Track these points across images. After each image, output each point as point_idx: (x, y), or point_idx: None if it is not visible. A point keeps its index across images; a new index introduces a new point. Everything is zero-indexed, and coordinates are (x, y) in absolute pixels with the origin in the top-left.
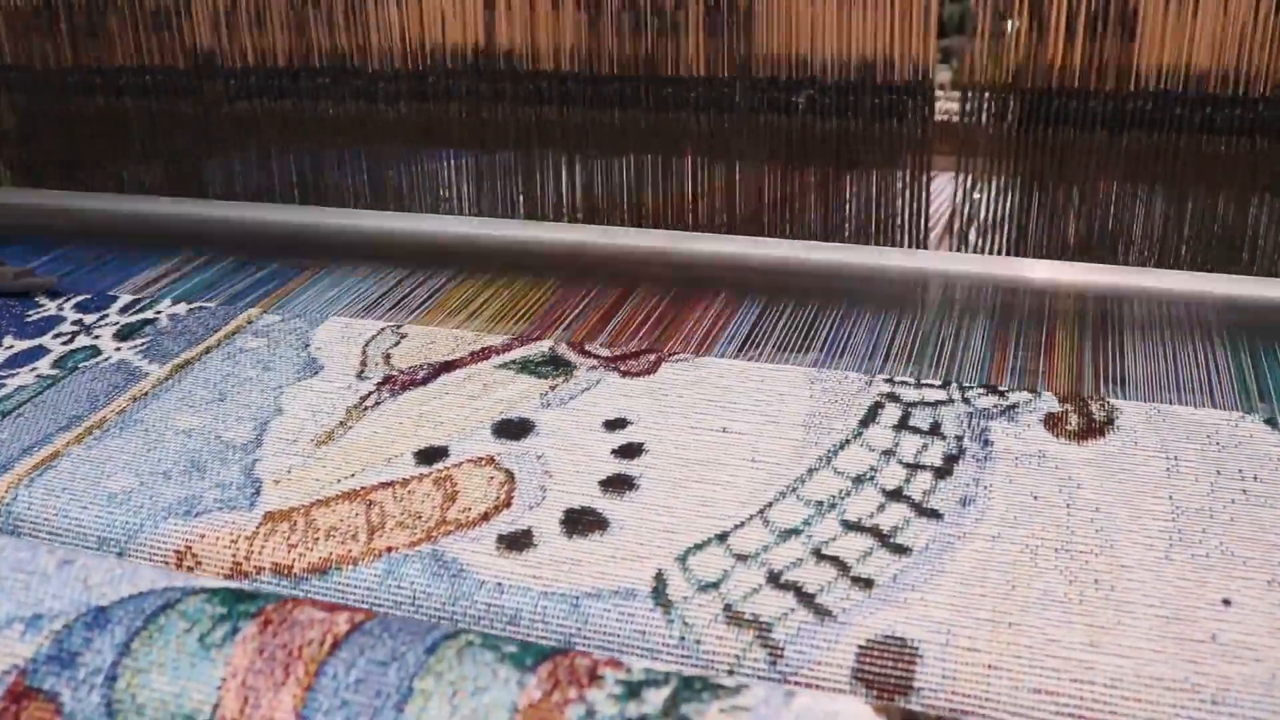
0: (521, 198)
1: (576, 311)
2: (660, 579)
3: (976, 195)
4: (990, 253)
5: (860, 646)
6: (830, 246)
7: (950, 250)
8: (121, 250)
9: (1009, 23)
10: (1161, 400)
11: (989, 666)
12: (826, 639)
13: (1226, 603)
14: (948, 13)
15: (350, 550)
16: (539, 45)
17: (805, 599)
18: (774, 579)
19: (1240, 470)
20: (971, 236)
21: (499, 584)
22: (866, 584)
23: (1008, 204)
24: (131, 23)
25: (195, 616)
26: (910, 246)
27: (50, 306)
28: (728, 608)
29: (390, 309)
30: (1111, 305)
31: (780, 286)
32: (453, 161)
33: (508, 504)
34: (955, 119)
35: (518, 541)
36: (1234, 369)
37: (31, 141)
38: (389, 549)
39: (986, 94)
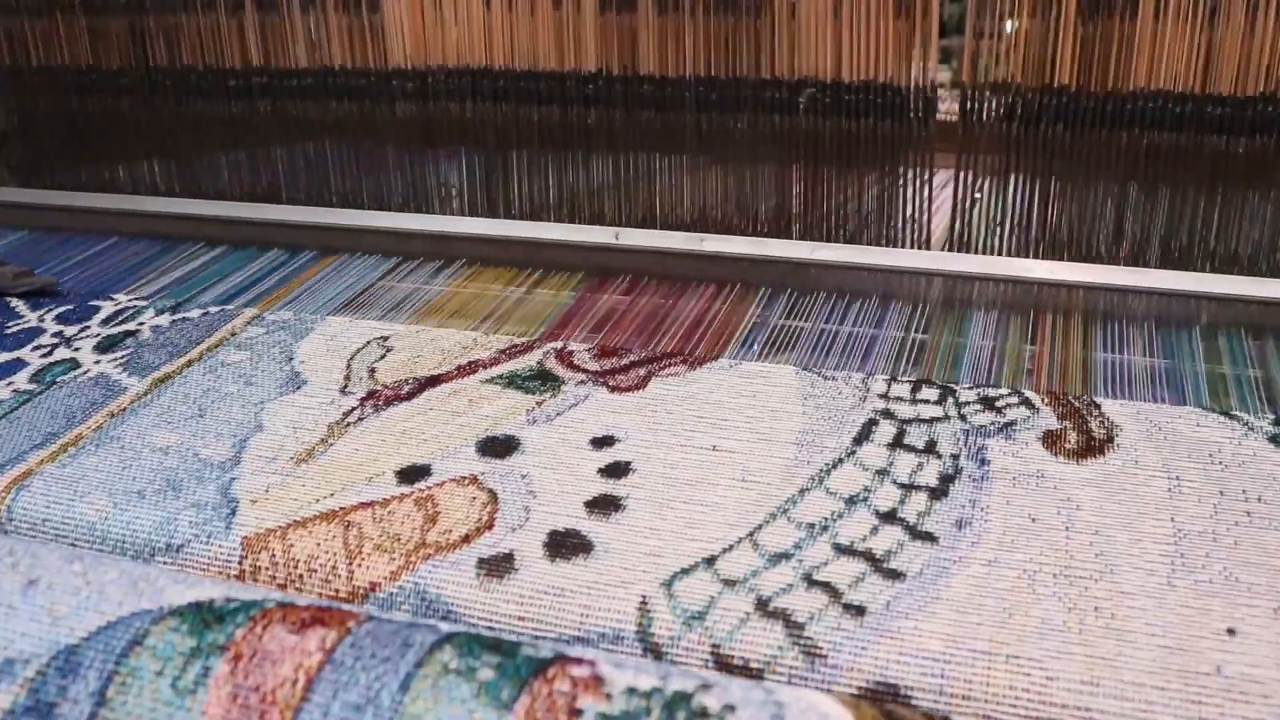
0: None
1: (587, 311)
2: (646, 610)
3: (976, 194)
4: (989, 252)
5: (852, 696)
6: (832, 246)
7: (949, 250)
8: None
9: (1009, 22)
10: (1157, 399)
11: (984, 717)
12: (818, 687)
13: (1231, 632)
14: (948, 13)
15: (337, 590)
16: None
17: (794, 630)
18: (762, 606)
19: (1244, 491)
20: (971, 235)
21: (488, 629)
22: (858, 611)
23: (1006, 203)
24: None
25: (166, 653)
26: (911, 246)
27: (31, 318)
28: (716, 649)
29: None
30: (1109, 304)
31: (782, 285)
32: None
33: (490, 526)
34: (955, 119)
35: (499, 567)
36: (1229, 367)
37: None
38: (372, 586)
39: (985, 93)
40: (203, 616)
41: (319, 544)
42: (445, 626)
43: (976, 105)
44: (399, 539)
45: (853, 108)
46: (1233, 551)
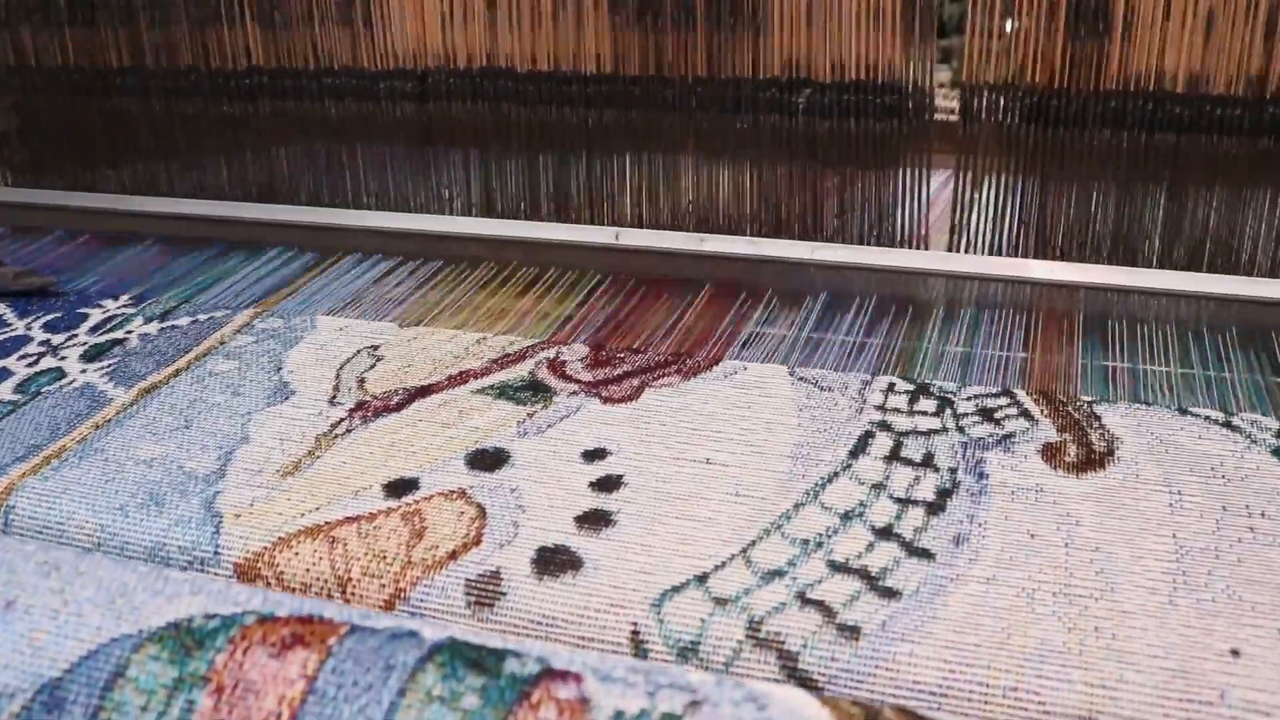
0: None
1: (592, 314)
2: (638, 641)
3: (975, 194)
4: (987, 252)
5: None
6: (832, 246)
7: (948, 250)
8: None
9: (1009, 22)
10: (1155, 400)
11: None
12: None
13: (1235, 653)
14: (948, 13)
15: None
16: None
17: (789, 661)
18: (754, 630)
19: (1247, 506)
20: (970, 235)
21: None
22: (853, 633)
23: (1005, 203)
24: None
25: (148, 685)
26: (910, 246)
27: (19, 326)
28: None
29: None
30: (1108, 304)
31: (784, 286)
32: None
33: (478, 542)
34: (954, 118)
35: (488, 592)
36: (1226, 369)
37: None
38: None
39: (985, 93)
40: (182, 641)
41: (308, 569)
42: (428, 634)
43: (976, 105)
44: (384, 557)
45: (852, 107)
46: (1236, 569)
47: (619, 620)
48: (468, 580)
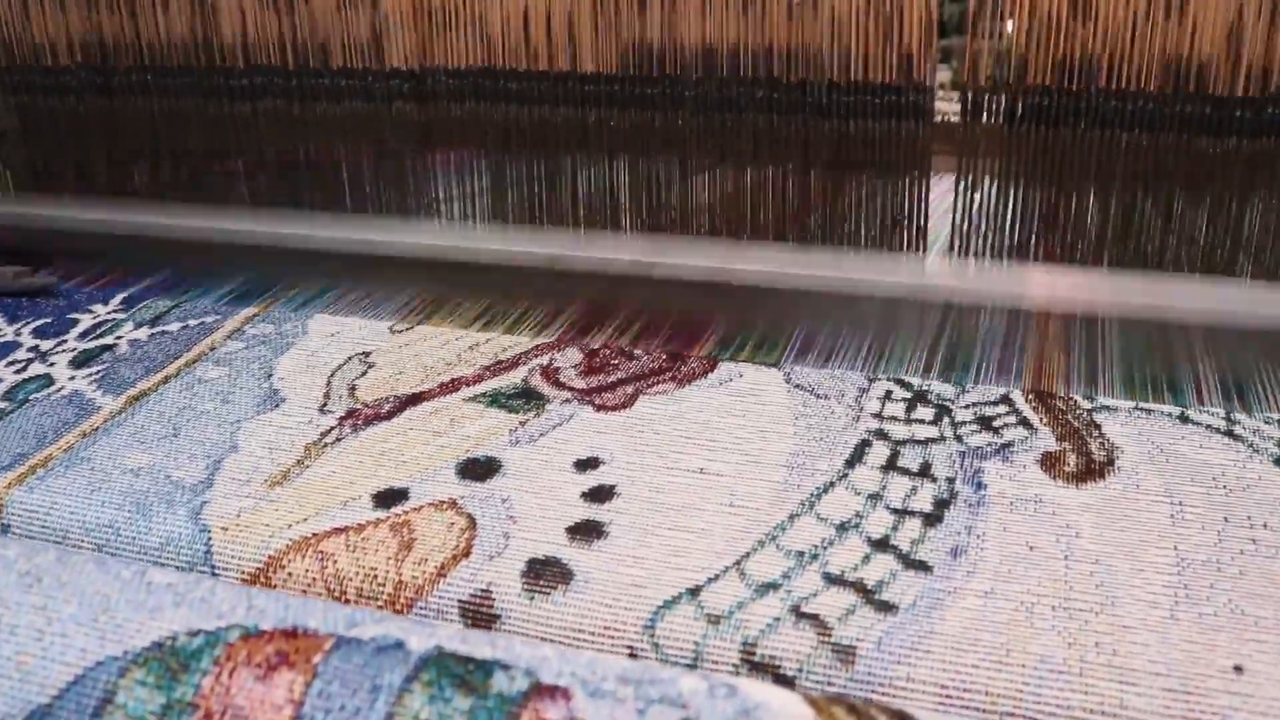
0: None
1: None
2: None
3: (975, 197)
4: (987, 254)
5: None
6: (830, 248)
7: (948, 252)
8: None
9: (1009, 22)
10: (1153, 400)
11: None
12: None
13: (1238, 669)
14: (947, 13)
15: None
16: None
17: (784, 686)
18: (749, 651)
19: (1249, 517)
20: (969, 239)
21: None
22: (849, 654)
23: (1006, 206)
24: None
25: (137, 712)
26: (910, 250)
27: (8, 332)
28: None
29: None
30: (1109, 306)
31: (778, 287)
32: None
33: (467, 553)
34: (954, 119)
35: (482, 614)
36: (1227, 374)
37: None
38: None
39: (986, 94)
40: (167, 664)
41: (304, 590)
42: (414, 645)
43: (977, 106)
44: (375, 574)
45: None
46: (1238, 582)
47: (615, 644)
48: (461, 602)
